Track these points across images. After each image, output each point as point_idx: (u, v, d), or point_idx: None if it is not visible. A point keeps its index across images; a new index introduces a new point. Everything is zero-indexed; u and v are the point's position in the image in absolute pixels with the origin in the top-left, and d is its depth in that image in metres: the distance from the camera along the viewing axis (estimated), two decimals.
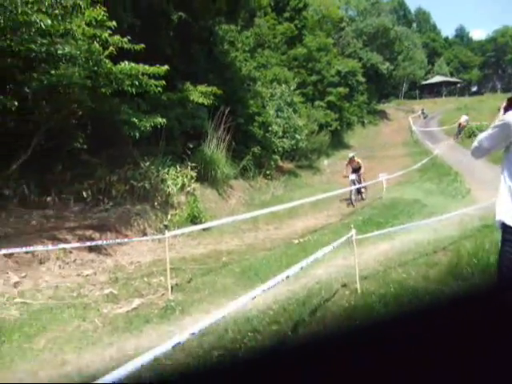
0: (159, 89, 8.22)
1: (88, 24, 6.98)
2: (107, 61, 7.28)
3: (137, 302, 4.57)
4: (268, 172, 15.96)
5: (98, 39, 7.17)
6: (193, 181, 10.24)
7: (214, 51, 14.99)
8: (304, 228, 9.72)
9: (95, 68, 7.14)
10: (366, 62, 36.93)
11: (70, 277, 5.74)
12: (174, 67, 8.49)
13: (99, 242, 6.14)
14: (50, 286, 5.27)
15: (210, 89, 11.22)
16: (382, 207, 10.97)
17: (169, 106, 10.56)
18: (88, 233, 7.04)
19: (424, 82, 59.90)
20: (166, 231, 5.58)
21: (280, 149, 17.30)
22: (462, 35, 78.12)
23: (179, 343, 2.24)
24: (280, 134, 17.28)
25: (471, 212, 7.94)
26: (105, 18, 7.17)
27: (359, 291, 4.82)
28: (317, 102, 25.46)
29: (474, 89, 68.84)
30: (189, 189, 9.97)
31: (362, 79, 31.25)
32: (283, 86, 19.56)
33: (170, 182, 9.36)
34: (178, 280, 5.28)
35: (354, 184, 12.52)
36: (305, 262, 3.81)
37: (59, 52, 6.69)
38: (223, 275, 5.63)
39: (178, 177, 9.70)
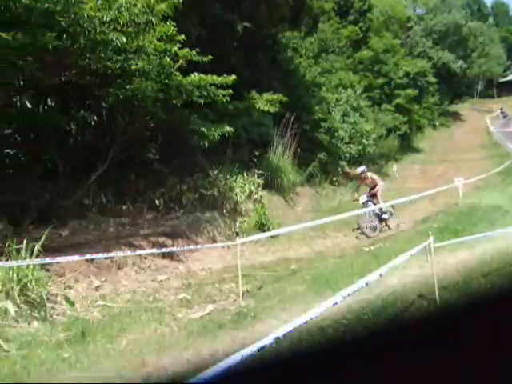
0: (226, 98, 8.38)
1: (159, 39, 7.27)
2: (177, 73, 7.54)
3: (209, 307, 4.63)
4: (335, 178, 15.72)
5: (168, 53, 7.44)
6: (260, 188, 10.33)
7: (278, 59, 15.07)
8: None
9: (166, 81, 7.40)
10: (436, 62, 35.33)
11: (146, 282, 5.96)
12: (239, 76, 8.61)
13: (174, 249, 6.33)
14: (128, 290, 5.50)
15: (275, 96, 11.25)
16: (458, 214, 10.26)
17: (235, 115, 10.73)
18: (161, 240, 7.29)
19: (502, 80, 55.85)
20: (237, 238, 5.62)
21: (347, 154, 17.01)
22: None
23: (264, 346, 2.22)
24: (346, 139, 17.01)
25: None
26: (174, 32, 7.43)
27: (438, 302, 4.51)
28: (384, 106, 24.69)
29: None
30: (256, 196, 10.05)
31: (433, 79, 29.90)
32: (349, 90, 19.22)
33: (237, 190, 9.50)
34: (248, 287, 5.27)
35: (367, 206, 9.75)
36: (383, 269, 3.62)
37: (133, 67, 7.01)
38: (293, 282, 5.54)
39: (245, 184, 9.82)
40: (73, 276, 5.34)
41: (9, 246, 4.52)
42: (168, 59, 7.39)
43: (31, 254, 4.53)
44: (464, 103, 48.55)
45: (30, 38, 5.30)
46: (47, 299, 4.42)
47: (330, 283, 5.35)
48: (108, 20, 6.17)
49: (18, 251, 4.51)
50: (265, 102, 11.20)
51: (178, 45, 7.52)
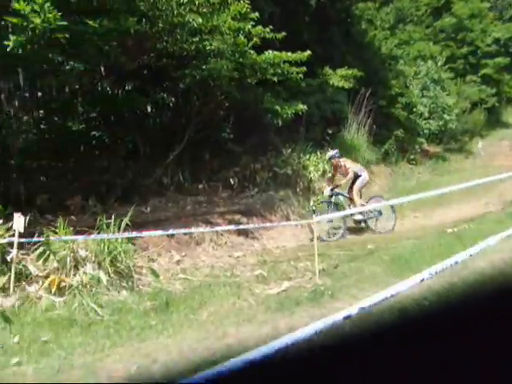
0: (300, 75, 8.23)
1: (233, 18, 7.27)
2: (252, 52, 7.53)
3: (286, 284, 4.66)
4: (412, 156, 14.94)
5: (242, 32, 7.43)
6: None
7: (352, 32, 14.44)
8: (457, 216, 8.80)
9: (241, 60, 7.41)
10: None
11: (223, 257, 6.16)
12: (312, 52, 8.39)
13: (249, 226, 6.46)
14: (207, 265, 5.73)
15: (349, 71, 10.88)
16: None
17: (308, 92, 10.53)
18: (236, 217, 7.46)
19: None
20: (314, 216, 5.57)
21: (426, 131, 16.05)
22: None
23: (349, 316, 2.23)
24: (426, 114, 16.01)
25: None
26: (248, 10, 7.39)
27: None
28: (469, 77, 22.70)
29: None
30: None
31: None
32: (429, 62, 17.96)
33: (311, 168, 9.39)
34: (324, 265, 5.22)
35: (331, 201, 7.82)
36: (474, 249, 3.38)
37: (207, 48, 7.09)
38: (370, 262, 5.38)
39: (318, 163, 9.66)
40: (156, 250, 5.67)
41: (100, 220, 4.89)
42: (242, 38, 7.39)
43: (119, 229, 4.87)
44: None
45: (115, 24, 5.56)
46: (134, 271, 4.74)
47: (410, 264, 5.13)
48: (184, 2, 6.29)
49: (108, 226, 4.88)
50: (339, 77, 10.88)
51: (252, 23, 7.48)
